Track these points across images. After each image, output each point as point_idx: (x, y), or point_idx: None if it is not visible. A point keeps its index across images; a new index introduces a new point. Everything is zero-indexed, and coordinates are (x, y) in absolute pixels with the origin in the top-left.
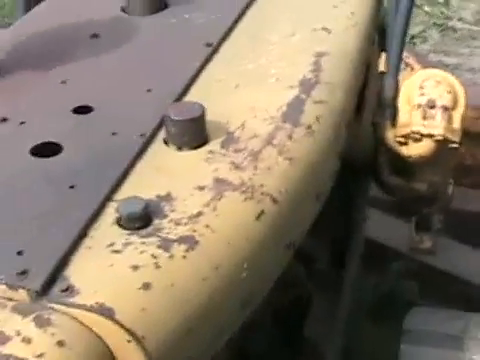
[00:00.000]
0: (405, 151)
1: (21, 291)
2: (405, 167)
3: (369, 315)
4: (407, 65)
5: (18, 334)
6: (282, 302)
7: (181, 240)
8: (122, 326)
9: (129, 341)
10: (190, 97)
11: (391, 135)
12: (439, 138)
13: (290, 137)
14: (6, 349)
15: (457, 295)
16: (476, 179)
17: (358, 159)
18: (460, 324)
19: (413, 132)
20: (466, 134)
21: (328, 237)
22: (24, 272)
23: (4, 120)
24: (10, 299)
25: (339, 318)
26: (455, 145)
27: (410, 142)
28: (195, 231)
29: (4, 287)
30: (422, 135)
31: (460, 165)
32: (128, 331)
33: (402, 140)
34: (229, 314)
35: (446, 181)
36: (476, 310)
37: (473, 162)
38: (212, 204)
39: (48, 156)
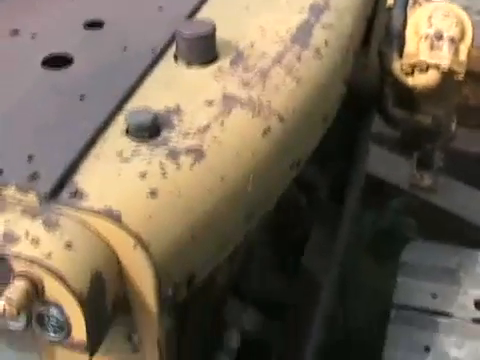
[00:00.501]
0: (410, 81)
1: (31, 194)
2: (409, 99)
3: (367, 249)
4: (415, 2)
5: (27, 234)
6: (282, 228)
7: (188, 151)
8: (128, 231)
9: (135, 246)
10: (201, 15)
11: (397, 65)
12: (445, 69)
13: (298, 58)
14: (15, 248)
15: (454, 232)
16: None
17: (363, 90)
18: (456, 259)
19: (419, 62)
20: (470, 74)
21: (330, 169)
22: (34, 176)
23: (16, 32)
24: (20, 201)
25: (337, 250)
26: (460, 77)
27: (416, 72)
28: (202, 143)
29: (14, 190)
30: (428, 65)
31: (464, 106)
32: (134, 236)
33: (408, 70)
34: (233, 226)
35: (449, 116)
36: (472, 247)
37: (477, 102)
38: (220, 118)
39: (59, 68)
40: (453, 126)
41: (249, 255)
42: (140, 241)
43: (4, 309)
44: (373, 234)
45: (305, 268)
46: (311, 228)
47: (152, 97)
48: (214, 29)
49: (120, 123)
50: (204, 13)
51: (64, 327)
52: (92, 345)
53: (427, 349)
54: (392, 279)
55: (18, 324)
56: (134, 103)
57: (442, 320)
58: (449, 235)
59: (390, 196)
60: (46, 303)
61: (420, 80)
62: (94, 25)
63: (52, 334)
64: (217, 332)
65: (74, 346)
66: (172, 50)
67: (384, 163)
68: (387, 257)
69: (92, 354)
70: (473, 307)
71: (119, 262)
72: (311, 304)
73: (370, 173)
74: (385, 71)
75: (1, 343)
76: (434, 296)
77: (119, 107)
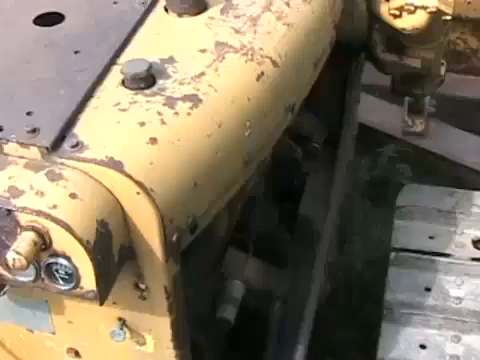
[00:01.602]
0: (399, 24)
1: (32, 148)
2: (398, 43)
3: (363, 196)
4: None
5: (31, 188)
6: (279, 180)
7: (185, 98)
8: (131, 178)
9: (138, 193)
10: None
11: (385, 8)
12: (433, 9)
13: (288, 4)
14: (20, 202)
15: (448, 175)
16: (468, 64)
17: (353, 36)
18: (451, 200)
19: (407, 4)
20: (458, 19)
21: (323, 117)
22: (34, 130)
23: None
24: (22, 156)
25: (333, 197)
26: (448, 17)
27: (404, 14)
28: (198, 90)
29: (16, 145)
30: (416, 7)
31: (452, 51)
32: (137, 183)
33: (396, 13)
34: (232, 171)
35: (438, 59)
36: (466, 188)
37: (465, 47)
38: (214, 65)
39: (51, 25)
40: (443, 70)
41: (248, 207)
42: (143, 188)
43: (13, 261)
44: (368, 181)
45: (303, 217)
46: (307, 178)
47: (145, 48)
48: None
49: (116, 75)
50: None
51: (73, 277)
52: (101, 294)
53: (428, 289)
54: (389, 224)
55: (27, 277)
56: (128, 55)
57: (441, 260)
58: (443, 179)
59: (382, 143)
60: (54, 254)
61: (408, 22)
62: None
63: (61, 284)
64: (220, 283)
65: (83, 296)
66: (162, 2)
67: (375, 111)
68: (382, 203)
69: (101, 303)
70: (471, 246)
71: (123, 210)
72: (311, 252)
73: (362, 121)
74: (373, 15)
75: (11, 293)
76: (432, 237)
77: (114, 59)
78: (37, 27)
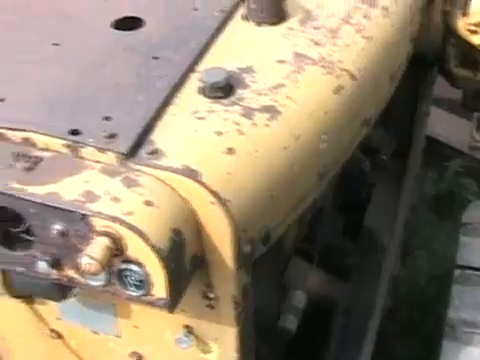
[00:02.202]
0: (476, 40)
1: (109, 154)
2: (473, 59)
3: (429, 209)
4: None
5: (107, 193)
6: (345, 190)
7: (263, 109)
8: (207, 188)
9: (213, 203)
10: None
11: (462, 24)
12: None
13: (367, 17)
14: (96, 207)
15: None
16: None
17: (427, 49)
18: None
19: None
20: None
21: (392, 129)
22: (112, 136)
23: None
24: (98, 161)
25: (400, 210)
26: None
27: None
28: (276, 101)
29: (93, 149)
30: None
31: None
32: (213, 193)
33: (473, 28)
34: (307, 184)
35: None
36: None
37: None
38: (293, 77)
39: (130, 29)
40: None
41: (315, 217)
42: (218, 198)
43: (87, 266)
44: (434, 195)
45: (368, 228)
46: (373, 190)
47: (224, 57)
48: None
49: (194, 82)
50: None
51: (144, 284)
52: (172, 302)
53: None
54: (454, 239)
55: (98, 282)
56: (207, 63)
57: None
58: None
59: (449, 157)
60: (127, 260)
61: None
62: None
63: (132, 291)
64: (283, 292)
65: (154, 303)
66: (241, 10)
67: (444, 124)
68: (447, 217)
69: (171, 311)
70: None
71: (197, 220)
72: (375, 264)
73: (430, 134)
74: (449, 29)
75: (79, 295)
76: None
77: (192, 67)
78: (116, 31)
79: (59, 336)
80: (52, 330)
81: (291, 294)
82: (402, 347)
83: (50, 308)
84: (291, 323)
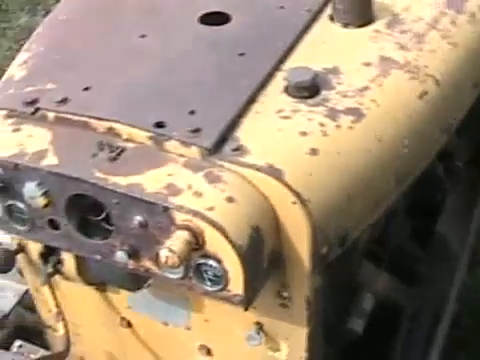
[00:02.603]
0: None
1: (193, 148)
2: None
3: None
4: None
5: (189, 188)
6: (418, 196)
7: (348, 111)
8: (289, 187)
9: (294, 203)
10: None
11: None
12: None
13: (454, 23)
14: (178, 200)
15: None
16: None
17: None
18: None
19: None
20: None
21: (468, 136)
22: (197, 130)
23: None
24: (182, 155)
25: (475, 216)
26: None
27: None
28: (361, 104)
29: (177, 143)
30: None
31: None
32: (294, 193)
33: None
34: (386, 188)
35: None
36: None
37: None
38: (378, 80)
39: (217, 25)
40: None
41: (387, 221)
42: (299, 198)
43: (166, 259)
44: None
45: (440, 234)
46: (446, 196)
47: (310, 57)
48: None
49: (279, 81)
50: None
51: (221, 279)
52: (247, 299)
53: None
54: None
55: (176, 275)
56: (292, 62)
57: None
58: None
59: None
60: (205, 255)
61: None
62: None
63: (209, 286)
64: (352, 294)
65: (229, 299)
66: (327, 10)
67: None
68: None
69: (246, 308)
70: None
71: (277, 218)
72: (445, 271)
73: None
74: None
75: (152, 286)
76: None
77: (278, 65)
78: (202, 26)
79: (129, 325)
80: (122, 319)
81: (359, 296)
82: (466, 356)
83: (122, 297)
84: (358, 325)
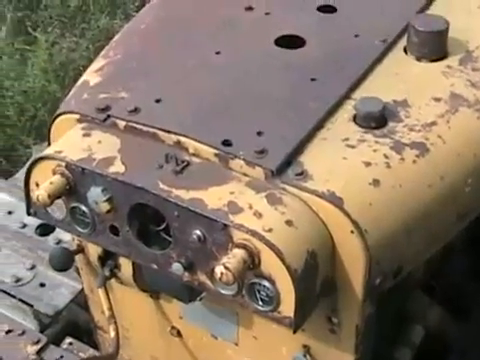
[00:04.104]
0: None
1: (258, 169)
2: None
3: None
4: None
5: (250, 207)
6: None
7: (413, 145)
8: (348, 216)
9: (352, 232)
10: (433, 10)
11: None
12: None
13: None
14: (238, 219)
15: None
16: None
17: None
18: None
19: None
20: None
21: None
22: (262, 151)
23: (250, 9)
24: (245, 174)
25: None
26: None
27: None
28: (427, 139)
29: (242, 162)
30: None
31: None
32: (353, 222)
33: None
34: (446, 224)
35: None
36: None
37: None
38: (446, 116)
39: (292, 48)
40: None
41: (444, 254)
42: (358, 228)
43: (221, 275)
44: None
45: None
46: None
47: (380, 87)
48: (448, 26)
49: (348, 109)
50: (436, 7)
51: (273, 300)
52: (297, 322)
53: None
54: None
55: (229, 291)
56: (363, 91)
57: None
58: None
59: None
60: (260, 275)
61: None
62: (326, 9)
63: (260, 305)
64: (402, 324)
65: (279, 320)
66: (402, 42)
67: None
68: None
69: (295, 331)
70: None
71: (334, 245)
72: None
73: None
74: None
75: (205, 300)
76: None
77: (348, 93)
78: (277, 47)
79: (178, 334)
80: (173, 327)
81: (409, 327)
82: None
83: (174, 306)
84: (406, 356)
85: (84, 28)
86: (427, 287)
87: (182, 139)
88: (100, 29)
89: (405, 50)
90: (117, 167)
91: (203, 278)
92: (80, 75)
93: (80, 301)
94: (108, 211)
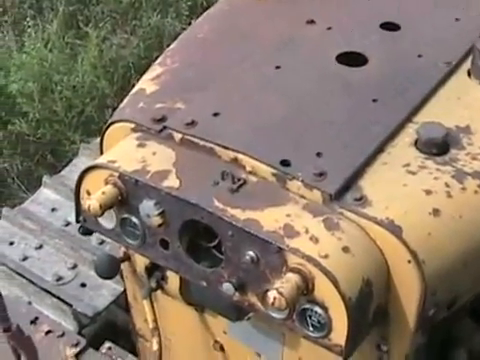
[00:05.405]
0: None
1: (316, 191)
2: None
3: None
4: None
5: (306, 231)
6: None
7: (475, 175)
8: (406, 246)
9: (409, 261)
10: None
11: None
12: None
13: None
14: (293, 243)
15: None
16: None
17: None
18: None
19: None
20: None
21: None
22: (321, 174)
23: (312, 22)
24: (303, 196)
25: None
26: None
27: None
28: None
29: (300, 184)
30: None
31: None
32: (411, 252)
33: None
34: None
35: None
36: None
37: None
38: None
39: (353, 66)
40: None
41: None
42: (415, 258)
43: (274, 300)
44: None
45: None
46: None
47: (443, 112)
48: None
49: (409, 133)
50: None
51: (325, 327)
52: (348, 350)
53: None
54: None
55: (279, 315)
56: (425, 115)
57: None
58: None
59: None
60: (312, 301)
61: None
62: (390, 27)
63: (311, 331)
64: (447, 348)
65: (330, 347)
66: (466, 65)
67: None
68: None
69: (346, 358)
70: None
71: (389, 274)
72: None
73: None
74: None
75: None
76: None
77: (410, 117)
78: (338, 64)
79: (221, 349)
80: (216, 342)
81: (454, 351)
82: None
83: (219, 321)
84: None
85: (135, 25)
86: (474, 312)
87: (239, 156)
88: (151, 27)
89: (469, 73)
90: (171, 181)
91: (254, 299)
92: (129, 72)
93: (120, 302)
94: (160, 225)
